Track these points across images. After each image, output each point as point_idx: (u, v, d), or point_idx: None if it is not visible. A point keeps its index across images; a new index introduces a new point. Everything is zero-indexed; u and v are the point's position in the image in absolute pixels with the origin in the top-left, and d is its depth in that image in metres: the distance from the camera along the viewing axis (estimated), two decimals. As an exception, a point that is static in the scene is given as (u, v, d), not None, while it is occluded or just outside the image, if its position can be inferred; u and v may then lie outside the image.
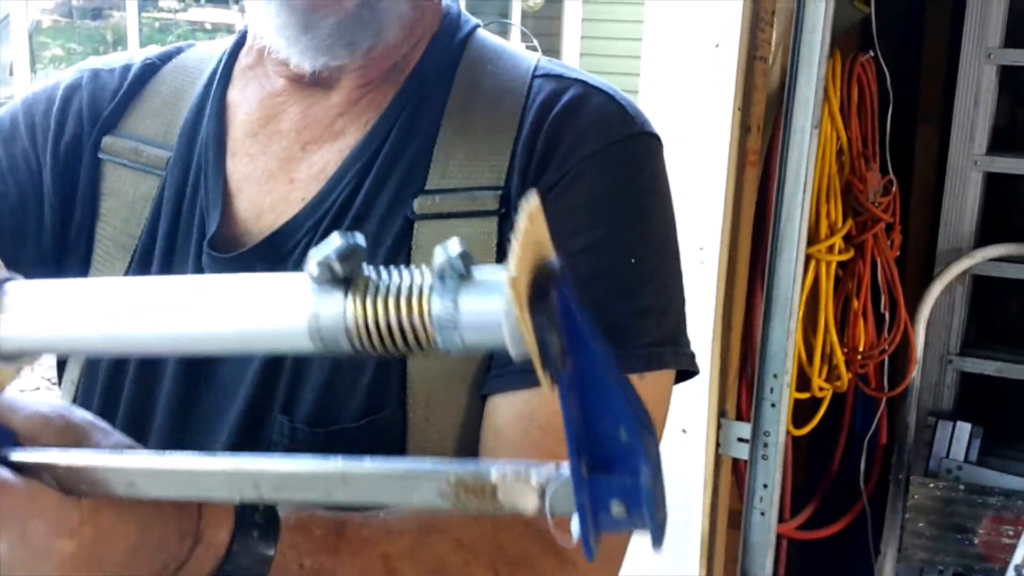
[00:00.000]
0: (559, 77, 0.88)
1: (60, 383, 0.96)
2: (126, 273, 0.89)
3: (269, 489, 0.56)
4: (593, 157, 0.83)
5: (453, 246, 0.49)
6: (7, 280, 0.56)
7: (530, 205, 0.47)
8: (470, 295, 0.48)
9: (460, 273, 0.49)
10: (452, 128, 0.86)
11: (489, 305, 0.48)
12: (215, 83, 0.94)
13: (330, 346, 0.50)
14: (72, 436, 0.60)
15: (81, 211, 0.92)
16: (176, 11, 10.10)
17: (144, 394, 0.88)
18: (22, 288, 0.56)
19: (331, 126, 0.88)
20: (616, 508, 0.50)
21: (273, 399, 0.83)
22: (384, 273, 0.50)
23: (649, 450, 0.49)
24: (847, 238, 2.17)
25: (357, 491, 0.55)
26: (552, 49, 8.10)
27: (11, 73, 8.61)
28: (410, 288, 0.49)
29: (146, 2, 8.03)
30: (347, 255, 0.50)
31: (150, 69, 0.97)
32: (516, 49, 0.94)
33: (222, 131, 0.92)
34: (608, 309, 0.81)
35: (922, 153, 2.49)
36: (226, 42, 0.98)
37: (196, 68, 0.96)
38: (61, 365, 0.96)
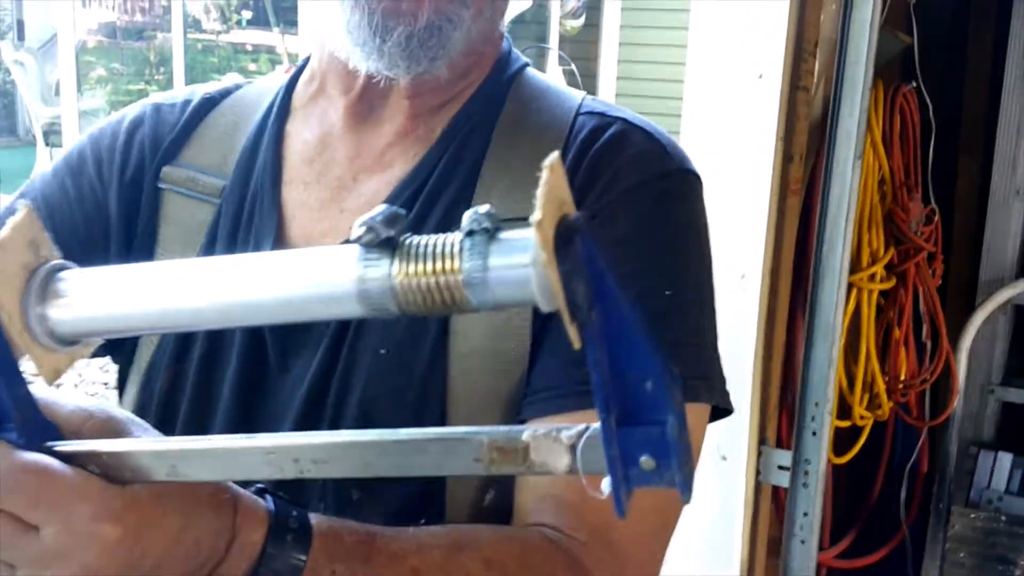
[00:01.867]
0: (602, 115, 0.91)
1: (121, 399, 0.99)
2: None
3: (308, 463, 0.57)
4: (630, 192, 0.85)
5: (482, 208, 0.50)
6: (63, 268, 0.58)
7: (550, 159, 0.49)
8: (498, 251, 0.49)
9: (488, 232, 0.50)
10: (496, 161, 0.89)
11: (517, 259, 0.49)
12: (273, 114, 0.97)
13: (377, 308, 0.52)
14: (113, 430, 0.63)
15: (142, 238, 0.96)
16: (218, 33, 10.25)
17: (200, 414, 0.90)
18: (77, 275, 0.58)
19: (381, 157, 0.91)
20: (646, 462, 0.50)
21: (322, 415, 0.86)
22: (423, 239, 0.52)
23: (675, 400, 0.49)
24: (889, 267, 2.17)
25: (395, 461, 0.56)
26: (589, 73, 8.13)
27: (57, 93, 8.76)
28: (443, 248, 0.50)
29: (189, 24, 8.14)
30: (391, 220, 0.52)
31: (209, 103, 1.00)
32: (563, 87, 0.96)
33: (278, 160, 0.95)
34: None
35: (964, 183, 2.49)
36: (282, 78, 1.01)
37: (253, 103, 1.00)
38: (122, 383, 0.99)
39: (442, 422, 0.83)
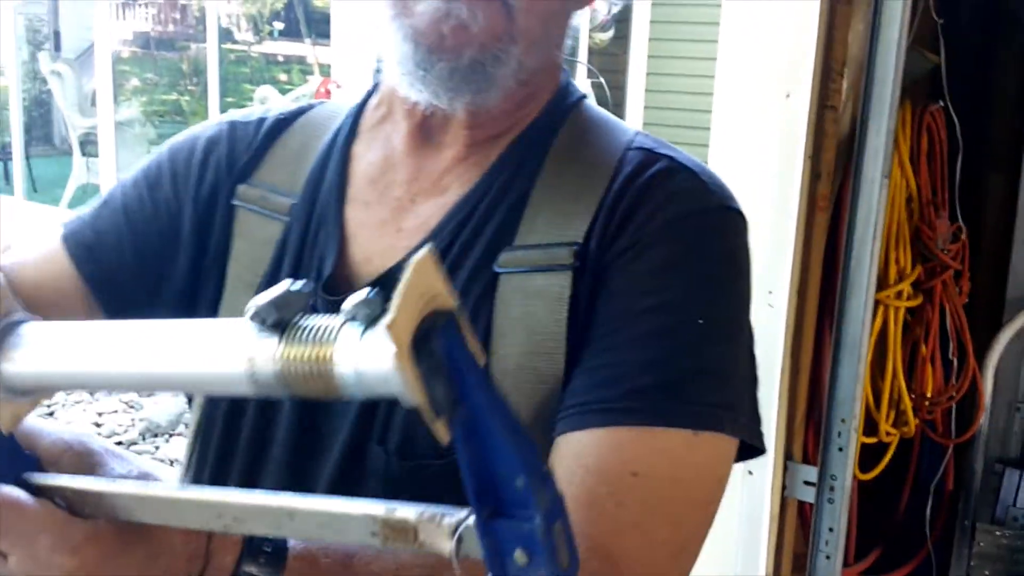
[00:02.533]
0: (650, 151, 0.93)
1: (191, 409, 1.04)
2: None
3: (229, 520, 0.60)
4: (669, 224, 0.88)
5: (360, 295, 0.51)
6: (24, 321, 0.63)
7: (419, 256, 0.49)
8: (369, 343, 0.50)
9: (366, 321, 0.50)
10: (545, 189, 0.92)
11: (383, 354, 0.49)
12: (341, 136, 1.01)
13: (266, 389, 0.53)
14: (89, 462, 0.68)
15: (214, 251, 1.00)
16: (250, 44, 10.35)
17: (263, 427, 0.94)
18: (32, 330, 0.62)
19: (439, 182, 0.95)
20: (519, 555, 0.50)
21: (372, 429, 0.89)
22: (309, 322, 0.53)
23: (540, 499, 0.50)
24: (916, 284, 2.18)
25: (301, 527, 0.59)
26: (618, 86, 8.14)
27: (93, 103, 8.87)
28: (320, 335, 0.51)
29: (222, 35, 8.23)
30: (285, 303, 0.53)
31: (282, 124, 1.05)
32: (618, 122, 0.99)
33: (344, 180, 0.99)
34: (669, 366, 0.84)
35: (991, 200, 2.49)
36: (352, 100, 1.05)
37: (323, 124, 1.04)
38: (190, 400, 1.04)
39: None
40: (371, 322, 0.50)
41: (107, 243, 1.01)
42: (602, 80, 8.69)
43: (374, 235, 0.95)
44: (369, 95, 1.03)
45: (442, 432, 0.50)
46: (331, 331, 0.51)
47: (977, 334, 2.35)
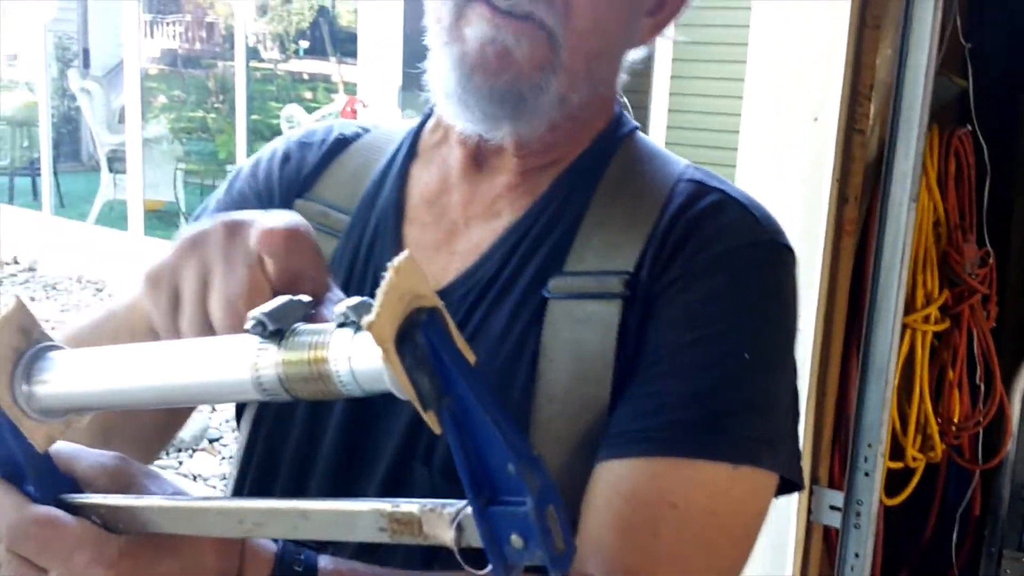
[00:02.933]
0: (701, 183, 0.94)
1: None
2: None
3: (250, 524, 0.63)
4: (718, 257, 0.88)
5: (353, 300, 0.55)
6: (53, 347, 0.67)
7: (400, 259, 0.53)
8: (359, 344, 0.54)
9: (356, 325, 0.54)
10: (595, 218, 0.92)
11: (373, 353, 0.52)
12: (399, 156, 1.03)
13: (271, 394, 0.57)
14: (126, 483, 0.69)
15: None
16: (277, 62, 10.44)
17: (307, 448, 0.95)
18: (61, 356, 0.66)
19: (492, 206, 0.96)
20: (515, 540, 0.52)
21: (417, 448, 0.89)
22: (304, 330, 0.57)
23: (530, 484, 0.52)
24: (943, 309, 2.17)
25: (315, 527, 0.62)
26: (641, 105, 8.15)
27: (121, 120, 8.96)
28: (315, 339, 0.56)
29: (249, 54, 8.31)
30: (283, 313, 0.58)
31: (342, 143, 1.07)
32: (669, 154, 1.00)
33: (401, 200, 1.00)
34: (713, 399, 0.84)
35: (1019, 225, 2.48)
36: (410, 123, 1.07)
37: (382, 145, 1.06)
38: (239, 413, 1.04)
39: None
40: (359, 327, 0.54)
41: None
42: (625, 99, 8.70)
43: (429, 255, 0.96)
44: (427, 117, 1.05)
45: (433, 423, 0.52)
46: (326, 334, 0.56)
47: (1005, 359, 2.34)
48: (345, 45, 9.59)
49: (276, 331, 0.57)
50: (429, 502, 0.57)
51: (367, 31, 7.54)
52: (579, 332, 0.87)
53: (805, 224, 1.85)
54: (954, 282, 2.18)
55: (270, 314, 0.57)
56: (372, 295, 0.94)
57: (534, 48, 0.86)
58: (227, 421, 5.15)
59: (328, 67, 10.56)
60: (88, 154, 10.63)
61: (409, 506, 0.58)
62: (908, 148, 1.81)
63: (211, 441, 5.07)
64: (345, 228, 1.00)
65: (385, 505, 0.58)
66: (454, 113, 0.91)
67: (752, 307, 0.88)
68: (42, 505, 0.66)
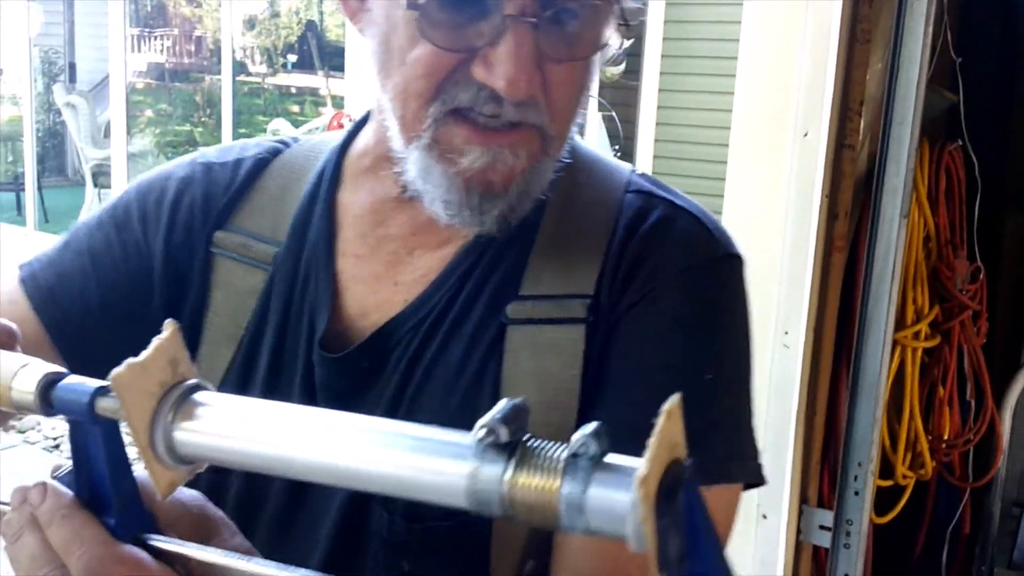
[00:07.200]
0: (649, 195, 0.91)
1: None
2: (232, 361, 0.93)
3: None
4: (676, 277, 0.86)
5: (589, 428, 0.51)
6: (197, 388, 0.60)
7: (670, 404, 0.49)
8: (601, 483, 0.50)
9: (593, 458, 0.50)
10: (547, 238, 0.89)
11: (617, 496, 0.49)
12: (323, 183, 0.97)
13: (482, 508, 0.53)
14: (205, 528, 0.65)
15: (192, 301, 0.96)
16: (264, 76, 10.43)
17: (251, 487, 0.91)
18: (210, 398, 0.60)
19: (438, 234, 0.91)
20: None
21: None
22: (537, 449, 0.52)
23: None
24: (933, 325, 2.16)
25: None
26: (629, 119, 8.17)
27: (106, 135, 8.93)
28: (549, 464, 0.51)
29: (236, 67, 8.30)
30: (512, 416, 0.53)
31: (260, 164, 1.00)
32: (609, 161, 0.97)
33: (332, 231, 0.95)
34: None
35: (1010, 241, 2.48)
36: (329, 139, 1.01)
37: (302, 165, 1.00)
38: None
39: None
40: (598, 459, 0.51)
41: (70, 287, 0.96)
42: (613, 113, 8.72)
43: (369, 288, 0.92)
44: (351, 136, 0.99)
45: None
46: (561, 463, 0.51)
47: (995, 376, 2.33)
48: (333, 59, 9.58)
49: (508, 444, 0.52)
50: None
51: (355, 45, 7.53)
52: (542, 359, 0.85)
53: (794, 240, 1.83)
54: (944, 298, 2.17)
55: (504, 420, 0.52)
56: (309, 337, 0.91)
57: (531, 150, 0.82)
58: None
59: (316, 81, 10.55)
60: (73, 169, 10.59)
61: None
62: (898, 163, 1.80)
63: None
64: (272, 260, 0.95)
65: None
66: (441, 210, 0.85)
67: (714, 327, 0.88)
68: (127, 544, 0.62)
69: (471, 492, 0.53)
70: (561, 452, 0.51)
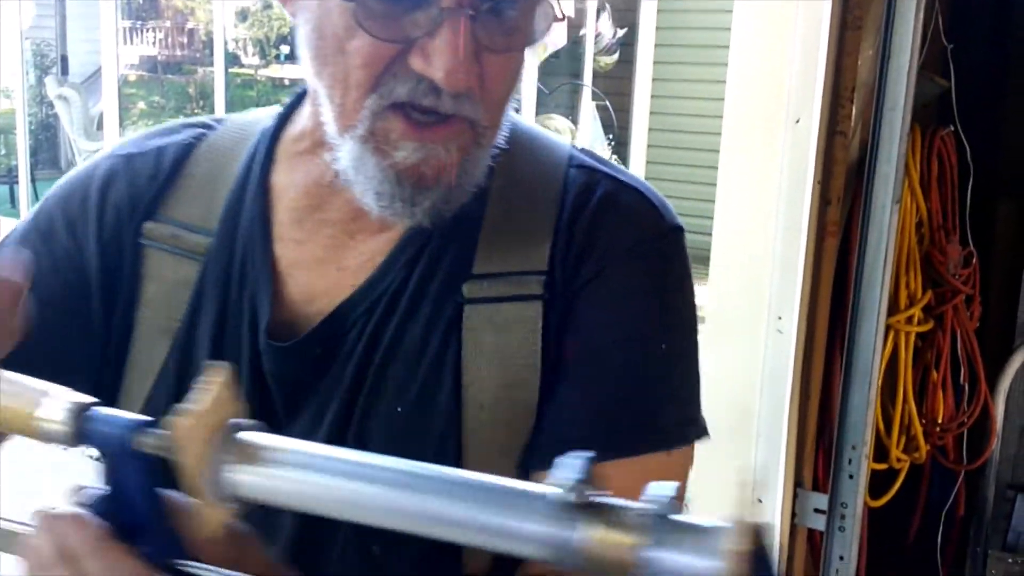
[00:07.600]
0: (592, 170, 0.93)
1: None
2: (168, 355, 0.91)
3: None
4: (627, 253, 0.89)
5: (667, 487, 0.52)
6: (246, 427, 0.60)
7: (741, 480, 0.51)
8: (683, 549, 0.51)
9: (670, 523, 0.51)
10: (495, 214, 0.90)
11: (702, 566, 0.50)
12: (255, 165, 0.94)
13: (555, 559, 0.54)
14: (236, 551, 0.65)
15: (124, 295, 0.93)
16: (257, 68, 10.41)
17: (264, 516, 0.91)
18: (262, 439, 0.60)
19: (379, 219, 0.88)
20: None
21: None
22: (617, 509, 0.53)
23: None
24: (927, 309, 2.17)
25: None
26: (622, 108, 8.17)
27: (99, 127, 8.90)
28: (632, 524, 0.52)
29: (229, 59, 8.28)
30: (589, 478, 0.54)
31: (185, 150, 0.96)
32: (548, 136, 0.97)
33: (266, 216, 0.92)
34: (643, 397, 0.88)
35: (1003, 225, 2.49)
36: (258, 118, 0.98)
37: (231, 148, 0.97)
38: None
39: None
40: (677, 520, 0.52)
41: None
42: (607, 103, 8.72)
43: (313, 274, 0.91)
44: (283, 117, 0.96)
45: None
46: (642, 524, 0.52)
47: (989, 359, 2.34)
48: (325, 50, 9.54)
49: (592, 504, 0.53)
50: None
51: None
52: (502, 337, 0.86)
53: (787, 226, 1.84)
54: (937, 283, 2.18)
55: (584, 480, 0.53)
56: (253, 326, 0.89)
57: (462, 143, 0.82)
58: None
59: (309, 72, 10.51)
60: (66, 161, 10.56)
61: None
62: (890, 149, 1.81)
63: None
64: (206, 250, 0.92)
65: None
66: (373, 201, 0.84)
67: (665, 299, 0.91)
68: (162, 574, 0.62)
69: (554, 543, 0.54)
70: (641, 514, 0.52)
